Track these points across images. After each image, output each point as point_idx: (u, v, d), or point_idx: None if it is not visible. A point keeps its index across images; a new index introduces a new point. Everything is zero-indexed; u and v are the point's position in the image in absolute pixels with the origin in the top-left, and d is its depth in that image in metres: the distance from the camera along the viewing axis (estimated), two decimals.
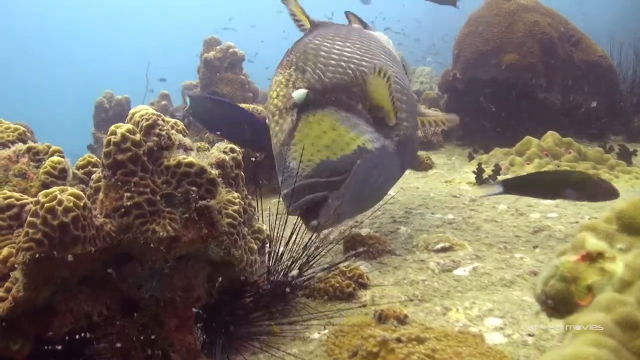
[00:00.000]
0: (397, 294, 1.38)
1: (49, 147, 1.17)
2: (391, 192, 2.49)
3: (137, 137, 0.98)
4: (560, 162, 2.94)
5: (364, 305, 1.32)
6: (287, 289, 1.27)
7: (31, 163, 1.12)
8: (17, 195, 0.97)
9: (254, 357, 1.13)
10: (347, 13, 2.19)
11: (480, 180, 2.68)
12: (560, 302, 0.64)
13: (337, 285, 1.37)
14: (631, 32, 4.76)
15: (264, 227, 1.24)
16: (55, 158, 1.10)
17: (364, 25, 2.13)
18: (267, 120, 1.59)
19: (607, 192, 1.55)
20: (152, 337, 0.99)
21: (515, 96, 3.75)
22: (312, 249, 1.34)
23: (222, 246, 1.04)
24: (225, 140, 1.35)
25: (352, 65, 1.59)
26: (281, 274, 1.29)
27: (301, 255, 1.32)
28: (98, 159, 1.15)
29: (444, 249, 1.66)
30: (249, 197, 1.21)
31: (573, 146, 3.04)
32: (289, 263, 1.31)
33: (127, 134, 0.97)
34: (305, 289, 1.37)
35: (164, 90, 5.45)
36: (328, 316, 1.26)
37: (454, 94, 4.18)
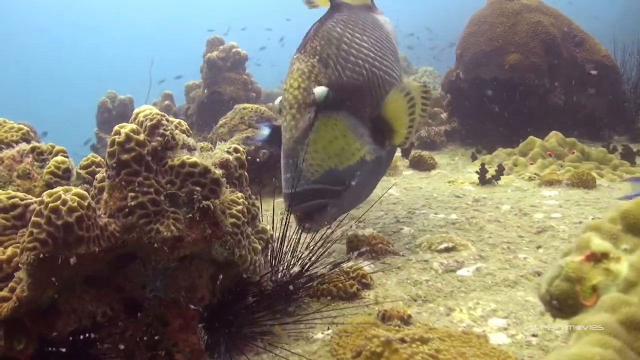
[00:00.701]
0: (401, 294, 1.38)
1: (53, 147, 1.17)
2: (394, 192, 2.49)
3: (141, 137, 0.98)
4: (564, 162, 2.94)
5: (368, 306, 1.32)
6: (291, 287, 1.27)
7: (35, 163, 1.12)
8: (21, 195, 0.97)
9: (257, 357, 1.13)
10: None
11: (483, 180, 2.68)
12: (565, 302, 0.64)
13: (341, 285, 1.37)
14: (635, 32, 4.73)
15: (268, 227, 1.24)
16: (59, 158, 1.10)
17: (372, 3, 2.09)
18: (279, 108, 1.53)
19: None
20: (156, 337, 1.00)
21: (518, 96, 3.75)
22: (316, 249, 1.34)
23: (226, 246, 1.04)
24: (229, 141, 1.35)
25: (367, 65, 1.59)
26: (284, 274, 1.29)
27: (304, 255, 1.32)
28: (102, 159, 1.15)
29: (447, 249, 1.65)
30: (253, 197, 1.21)
31: (576, 146, 3.04)
32: (292, 263, 1.31)
33: (131, 134, 0.97)
34: (308, 289, 1.37)
35: (167, 90, 5.47)
36: (332, 316, 1.26)
37: (457, 94, 4.18)
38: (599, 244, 0.66)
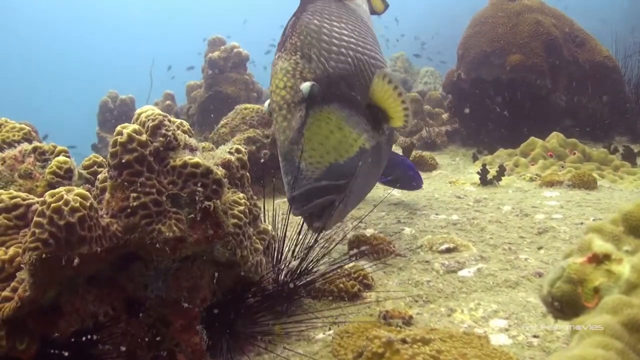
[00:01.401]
0: (402, 294, 1.38)
1: (55, 147, 1.17)
2: (395, 193, 2.49)
3: (144, 137, 0.98)
4: (565, 163, 2.94)
5: (369, 306, 1.32)
6: (292, 286, 1.27)
7: (37, 163, 1.13)
8: (23, 195, 0.97)
9: (258, 357, 1.13)
10: None
11: (484, 181, 2.68)
12: (566, 304, 0.64)
13: (342, 286, 1.37)
14: (636, 32, 4.73)
15: (269, 227, 1.24)
16: (61, 158, 1.10)
17: None
18: (270, 111, 1.51)
19: None
20: (158, 337, 1.00)
21: (519, 97, 3.75)
22: (317, 249, 1.34)
23: (228, 247, 1.04)
24: (230, 142, 1.34)
25: (350, 52, 1.55)
26: (286, 274, 1.29)
27: (306, 256, 1.32)
28: (104, 159, 1.15)
29: (448, 250, 1.65)
30: (255, 197, 1.21)
31: (578, 147, 3.04)
32: (293, 264, 1.31)
33: (134, 134, 0.97)
34: (309, 289, 1.37)
35: (169, 90, 5.47)
36: (333, 316, 1.26)
37: (458, 95, 4.18)
38: (600, 245, 0.66)
